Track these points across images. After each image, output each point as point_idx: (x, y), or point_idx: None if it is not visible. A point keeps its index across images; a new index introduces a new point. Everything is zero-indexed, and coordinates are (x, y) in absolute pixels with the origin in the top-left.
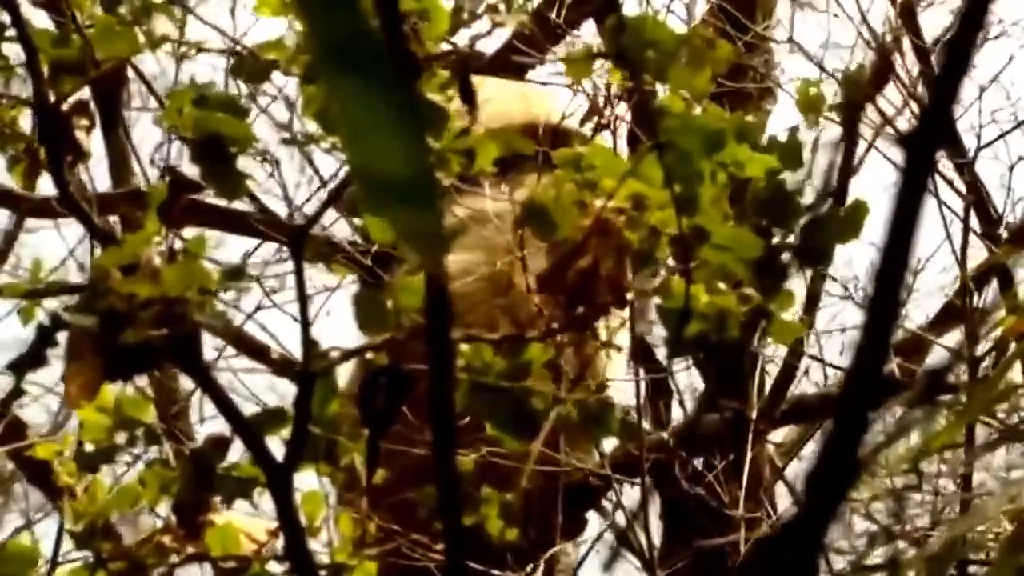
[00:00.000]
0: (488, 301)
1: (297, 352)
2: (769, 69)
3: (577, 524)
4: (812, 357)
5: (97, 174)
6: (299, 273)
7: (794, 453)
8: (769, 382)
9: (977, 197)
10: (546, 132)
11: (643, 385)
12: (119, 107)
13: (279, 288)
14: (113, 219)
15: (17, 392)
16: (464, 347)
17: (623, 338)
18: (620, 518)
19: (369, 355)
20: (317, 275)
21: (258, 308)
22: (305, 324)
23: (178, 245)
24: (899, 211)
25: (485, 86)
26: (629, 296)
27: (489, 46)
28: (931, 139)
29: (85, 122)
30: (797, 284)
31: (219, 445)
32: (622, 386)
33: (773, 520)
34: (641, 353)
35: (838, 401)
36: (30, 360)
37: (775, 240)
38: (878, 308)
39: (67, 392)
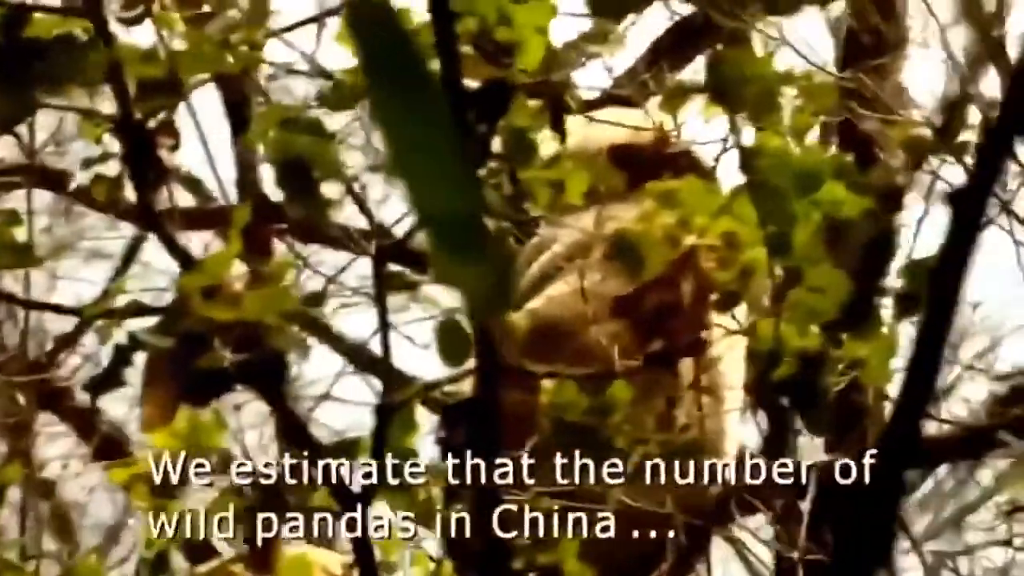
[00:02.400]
0: (585, 331)
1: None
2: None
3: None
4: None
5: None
6: (380, 300)
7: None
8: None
9: None
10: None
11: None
12: (247, 117)
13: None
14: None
15: (94, 411)
16: (548, 383)
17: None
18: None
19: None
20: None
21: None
22: (386, 353)
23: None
24: (946, 266)
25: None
26: (706, 335)
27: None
28: (981, 192)
29: (170, 140)
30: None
31: (293, 473)
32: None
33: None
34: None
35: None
36: (106, 380)
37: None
38: (920, 359)
39: (143, 415)
